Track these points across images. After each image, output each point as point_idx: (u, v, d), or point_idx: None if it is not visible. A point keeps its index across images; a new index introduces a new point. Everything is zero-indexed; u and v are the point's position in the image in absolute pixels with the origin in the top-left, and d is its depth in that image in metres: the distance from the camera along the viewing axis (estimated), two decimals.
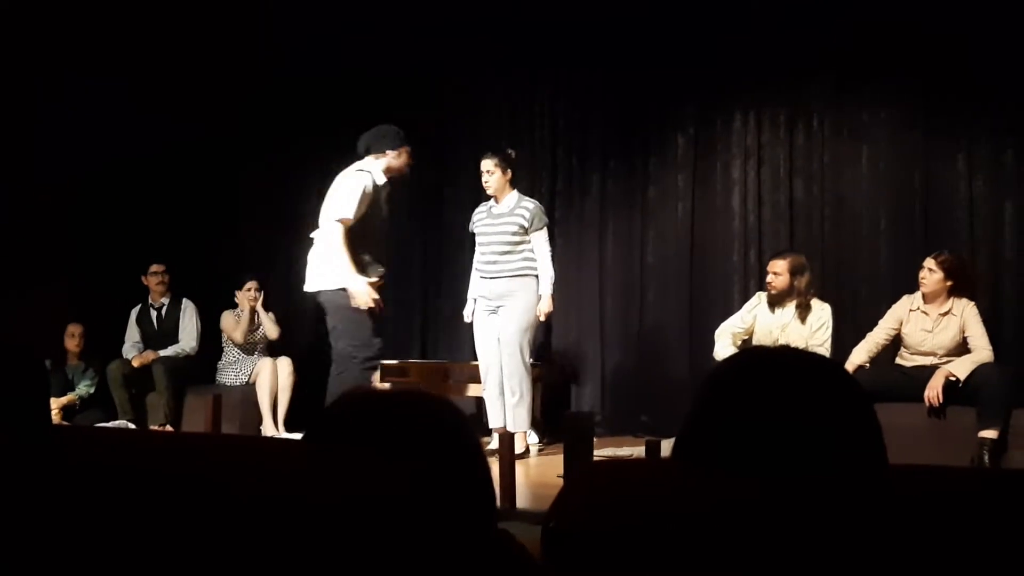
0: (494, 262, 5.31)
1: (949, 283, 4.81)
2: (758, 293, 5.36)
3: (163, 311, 6.38)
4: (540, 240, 5.28)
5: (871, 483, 0.86)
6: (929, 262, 4.84)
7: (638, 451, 4.89)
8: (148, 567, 0.88)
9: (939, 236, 5.67)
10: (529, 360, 5.28)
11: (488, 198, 5.46)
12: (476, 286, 5.47)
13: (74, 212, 6.36)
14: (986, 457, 4.49)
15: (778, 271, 5.15)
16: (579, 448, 3.58)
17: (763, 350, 1.15)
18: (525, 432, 5.25)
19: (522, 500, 3.47)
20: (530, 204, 5.33)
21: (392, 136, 4.86)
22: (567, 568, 0.87)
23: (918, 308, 4.90)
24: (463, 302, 5.77)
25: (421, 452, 0.97)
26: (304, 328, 6.52)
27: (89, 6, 6.01)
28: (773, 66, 6.17)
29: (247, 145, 6.91)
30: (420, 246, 7.03)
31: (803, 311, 5.12)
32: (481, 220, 5.43)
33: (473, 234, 5.55)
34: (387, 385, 5.78)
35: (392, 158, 4.83)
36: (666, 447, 3.76)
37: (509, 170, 5.32)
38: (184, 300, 6.38)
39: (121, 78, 6.25)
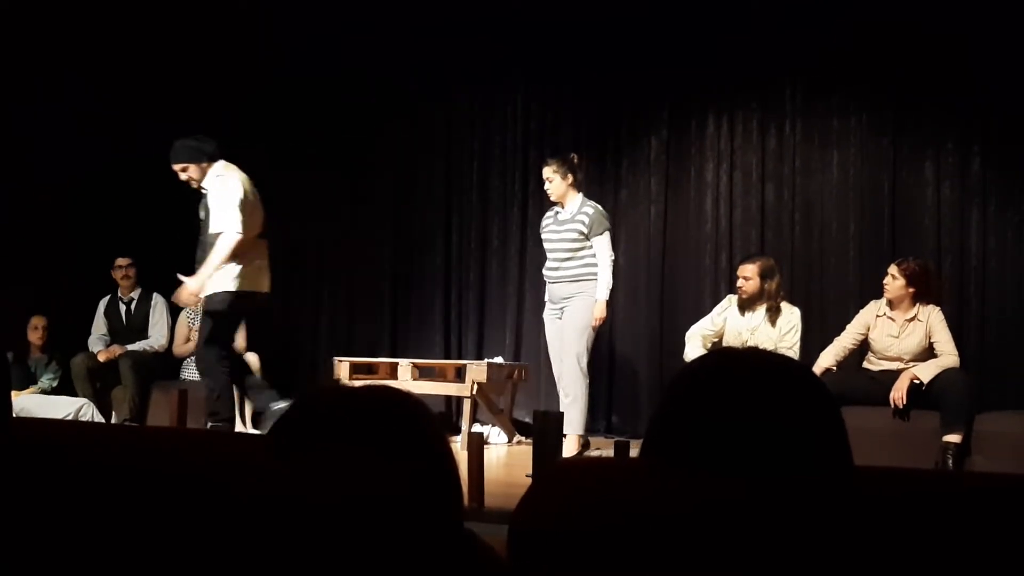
0: (556, 268, 5.30)
1: (912, 290, 4.86)
2: (729, 296, 5.39)
3: (132, 305, 6.29)
4: (600, 244, 5.20)
5: (836, 484, 0.87)
6: (892, 269, 4.90)
7: (607, 452, 4.90)
8: (107, 561, 0.86)
9: (907, 241, 5.75)
10: (586, 364, 5.16)
11: (552, 204, 5.41)
12: (546, 290, 5.46)
13: (43, 206, 6.27)
14: (950, 461, 4.54)
15: (748, 275, 5.18)
16: (547, 447, 3.57)
17: (731, 351, 1.15)
18: (579, 435, 5.16)
19: (491, 499, 3.46)
20: (590, 209, 5.24)
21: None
22: (533, 568, 0.87)
23: (884, 314, 4.95)
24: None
25: (387, 448, 0.96)
26: (267, 325, 6.47)
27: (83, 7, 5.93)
28: (746, 71, 6.22)
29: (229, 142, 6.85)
30: (389, 245, 7.01)
31: (773, 314, 5.16)
32: (547, 226, 5.40)
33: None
34: (356, 382, 5.74)
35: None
36: (635, 448, 3.76)
37: (570, 174, 5.24)
38: (155, 295, 6.28)
39: (95, 77, 6.19)
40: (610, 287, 5.23)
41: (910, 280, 4.84)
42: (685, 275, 6.39)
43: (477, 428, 5.77)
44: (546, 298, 5.47)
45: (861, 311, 5.08)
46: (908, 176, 5.89)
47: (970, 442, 4.64)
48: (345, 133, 6.93)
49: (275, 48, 6.73)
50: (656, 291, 6.45)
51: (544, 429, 3.63)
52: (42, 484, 0.97)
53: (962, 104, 5.70)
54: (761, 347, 5.11)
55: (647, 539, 0.82)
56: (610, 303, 5.37)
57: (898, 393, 4.67)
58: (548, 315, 5.42)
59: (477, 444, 3.54)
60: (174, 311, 6.25)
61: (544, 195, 6.77)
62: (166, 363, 6.23)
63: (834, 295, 5.95)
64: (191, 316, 6.17)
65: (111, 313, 6.30)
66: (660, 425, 1.02)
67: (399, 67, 6.85)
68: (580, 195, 5.30)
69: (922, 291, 4.88)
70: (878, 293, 5.03)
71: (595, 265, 5.19)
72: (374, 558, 0.89)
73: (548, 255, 5.39)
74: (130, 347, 6.12)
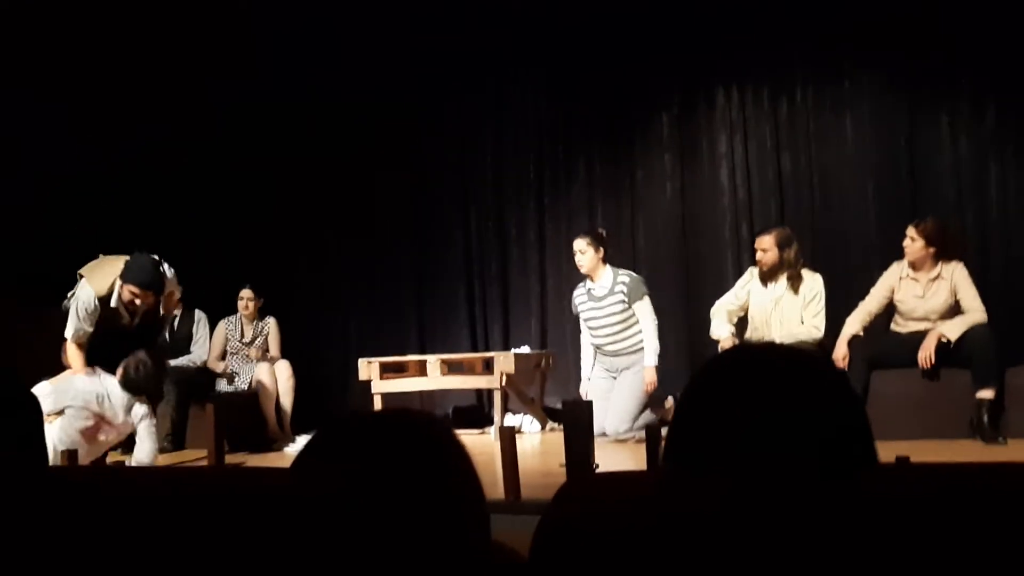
0: (610, 343, 5.40)
1: (932, 249, 4.82)
2: (750, 269, 5.37)
3: (175, 322, 6.36)
4: (642, 311, 5.29)
5: (861, 482, 0.86)
6: (910, 230, 4.86)
7: (639, 433, 4.91)
8: None
9: (926, 199, 5.70)
10: (640, 421, 5.16)
11: (583, 277, 5.49)
12: (592, 357, 5.52)
13: (74, 224, 6.32)
14: (984, 418, 4.52)
15: (765, 247, 5.16)
16: (578, 436, 3.59)
17: (748, 348, 1.15)
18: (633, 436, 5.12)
19: (527, 491, 3.48)
20: (626, 278, 5.36)
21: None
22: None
23: (907, 275, 4.91)
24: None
25: (410, 474, 0.98)
26: (298, 331, 6.53)
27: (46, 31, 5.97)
28: (753, 39, 6.18)
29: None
30: (409, 243, 7.04)
31: (795, 282, 5.14)
32: (583, 303, 5.48)
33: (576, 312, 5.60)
34: (378, 404, 5.75)
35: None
36: (665, 430, 3.77)
37: (601, 248, 5.38)
38: (197, 311, 6.35)
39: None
40: (658, 352, 5.30)
41: (929, 240, 4.80)
42: (706, 250, 6.38)
43: (509, 418, 5.80)
44: (596, 360, 5.53)
45: (884, 274, 5.04)
46: (923, 133, 5.84)
47: (1003, 397, 4.62)
48: (358, 133, 6.95)
49: (284, 47, 6.74)
50: (678, 268, 6.44)
51: (574, 419, 3.64)
52: (81, 530, 0.99)
53: (972, 56, 5.63)
54: (788, 317, 5.10)
55: (668, 553, 0.83)
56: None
57: (926, 353, 4.65)
58: (599, 375, 5.48)
59: (509, 437, 3.55)
60: (211, 326, 6.34)
61: (561, 181, 6.83)
62: (208, 377, 6.27)
63: (857, 259, 5.91)
64: (230, 328, 6.25)
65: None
66: (680, 430, 1.03)
67: (410, 63, 6.83)
68: (609, 267, 5.42)
69: (943, 249, 4.83)
70: (901, 254, 4.99)
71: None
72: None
73: (593, 332, 5.47)
74: (172, 363, 6.16)
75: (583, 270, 5.42)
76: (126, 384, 4.51)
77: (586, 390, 5.46)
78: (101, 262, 4.95)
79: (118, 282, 4.79)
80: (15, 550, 0.97)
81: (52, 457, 4.22)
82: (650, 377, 5.25)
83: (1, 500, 1.04)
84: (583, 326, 5.56)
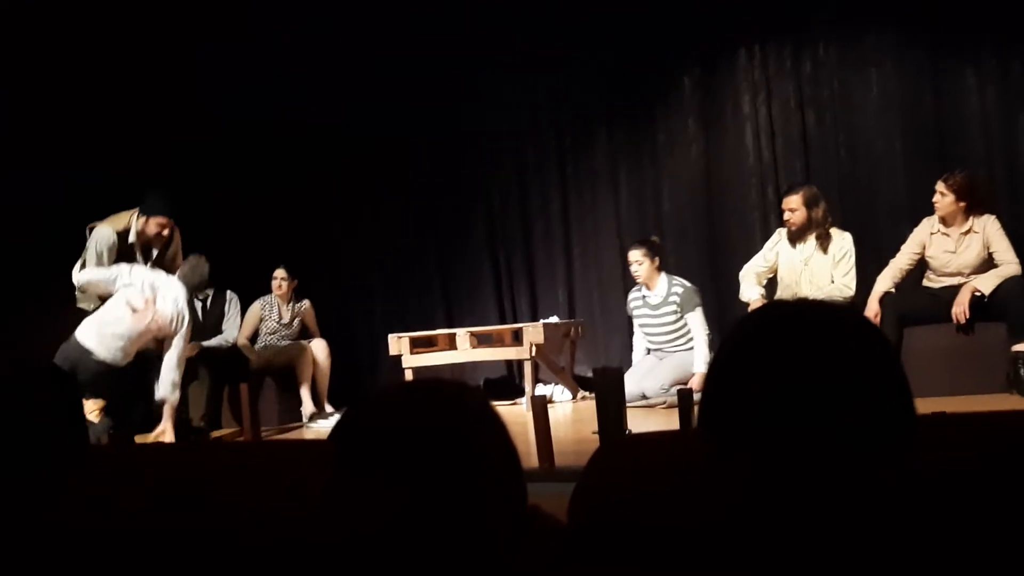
0: (664, 345, 5.51)
1: (962, 204, 4.75)
2: (778, 230, 5.33)
3: (207, 302, 6.40)
4: (694, 321, 5.37)
5: (900, 440, 0.84)
6: (940, 186, 4.79)
7: (671, 398, 4.91)
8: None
9: (955, 152, 5.61)
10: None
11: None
12: (643, 352, 5.65)
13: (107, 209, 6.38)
14: (1021, 371, 4.47)
15: (793, 206, 5.12)
16: (610, 404, 3.59)
17: (780, 305, 1.13)
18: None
19: (561, 458, 3.49)
20: (679, 288, 5.45)
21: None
22: (591, 542, 0.88)
23: (938, 231, 4.85)
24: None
25: (446, 441, 0.98)
26: (325, 309, 6.55)
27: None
28: None
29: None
30: (432, 217, 7.03)
31: (824, 241, 5.10)
32: (638, 308, 5.60)
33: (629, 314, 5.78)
34: (416, 357, 5.82)
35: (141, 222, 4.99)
36: (699, 394, 3.78)
37: (657, 257, 5.49)
38: (228, 291, 6.38)
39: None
40: (707, 361, 5.29)
41: (959, 194, 4.74)
42: (732, 212, 6.33)
43: (540, 388, 5.82)
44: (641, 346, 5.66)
45: (915, 230, 4.98)
46: (949, 86, 5.73)
47: None
48: (379, 108, 6.92)
49: (308, 36, 6.74)
50: (705, 232, 6.39)
51: (605, 386, 3.64)
52: (120, 507, 1.01)
53: (997, 3, 5.51)
54: (817, 277, 5.07)
55: (700, 524, 0.82)
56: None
57: (960, 307, 4.60)
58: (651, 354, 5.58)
59: (541, 406, 3.56)
60: (247, 303, 6.37)
61: (582, 148, 6.78)
62: (241, 357, 6.31)
63: (886, 216, 5.84)
64: (265, 309, 6.28)
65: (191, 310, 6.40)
66: (715, 390, 1.02)
67: (429, 32, 6.77)
68: (664, 275, 5.51)
69: (973, 203, 4.77)
70: (930, 210, 4.93)
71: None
72: (446, 549, 0.92)
73: (648, 336, 5.60)
74: (205, 343, 6.21)
75: (639, 280, 5.53)
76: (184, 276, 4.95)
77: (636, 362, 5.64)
78: (110, 217, 5.00)
79: (134, 221, 4.86)
80: (57, 525, 0.98)
81: (97, 340, 4.63)
82: (698, 385, 5.25)
83: (44, 477, 1.05)
84: (636, 328, 5.69)
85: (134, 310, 4.72)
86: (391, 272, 7.12)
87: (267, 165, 6.97)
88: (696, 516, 0.81)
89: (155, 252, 5.08)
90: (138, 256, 5.01)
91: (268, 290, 6.32)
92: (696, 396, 5.15)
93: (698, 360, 5.29)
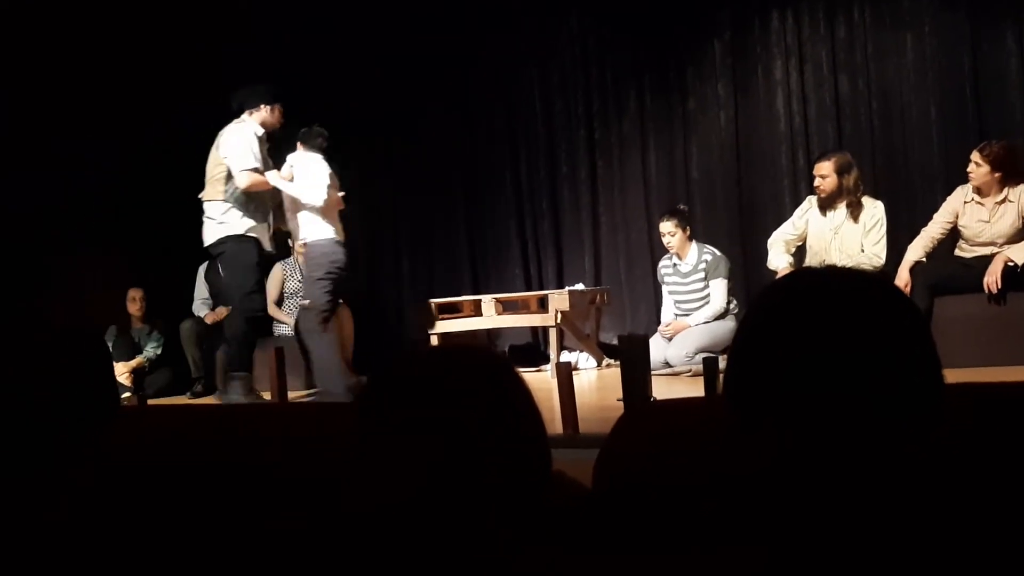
0: (690, 314, 5.56)
1: (998, 174, 4.65)
2: (808, 198, 5.26)
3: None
4: (716, 288, 5.49)
5: (928, 405, 0.83)
6: (975, 156, 4.69)
7: (696, 367, 4.89)
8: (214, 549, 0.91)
9: (992, 118, 5.50)
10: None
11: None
12: (671, 316, 5.68)
13: (127, 180, 6.43)
14: None
15: (824, 173, 5.04)
16: (635, 372, 3.58)
17: (808, 272, 1.11)
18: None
19: (585, 425, 3.50)
20: (709, 256, 5.55)
21: (262, 92, 4.93)
22: (616, 505, 0.88)
23: (973, 200, 4.77)
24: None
25: (472, 405, 0.98)
26: (357, 276, 6.57)
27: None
28: None
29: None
30: (458, 182, 7.01)
31: (855, 210, 5.02)
32: (669, 275, 5.70)
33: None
34: (434, 340, 5.81)
35: (266, 113, 4.91)
36: (723, 362, 3.74)
37: (688, 227, 5.60)
38: None
39: None
40: (708, 320, 5.44)
41: (995, 165, 4.64)
42: (762, 179, 6.26)
43: (565, 355, 5.82)
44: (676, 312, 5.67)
45: (948, 198, 4.90)
46: (988, 50, 5.60)
47: None
48: (404, 73, 6.89)
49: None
50: (734, 199, 6.33)
51: (631, 354, 3.63)
52: (151, 471, 1.02)
53: None
54: (847, 246, 5.00)
55: (725, 478, 0.82)
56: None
57: (992, 277, 4.53)
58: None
59: (566, 373, 3.56)
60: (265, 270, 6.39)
61: (611, 114, 6.72)
62: (267, 321, 6.35)
63: (920, 183, 5.75)
64: (287, 271, 6.30)
65: (212, 277, 6.45)
66: (741, 356, 1.00)
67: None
68: (695, 244, 5.62)
69: (1010, 172, 4.67)
70: (964, 178, 4.84)
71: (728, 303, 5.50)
72: (469, 510, 0.92)
73: (677, 303, 5.65)
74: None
75: (672, 250, 5.61)
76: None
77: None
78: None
79: (259, 118, 4.85)
80: (91, 485, 1.00)
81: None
82: (681, 326, 5.44)
83: (80, 439, 1.07)
84: (665, 295, 5.74)
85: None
86: (418, 238, 7.12)
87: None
88: (719, 484, 0.80)
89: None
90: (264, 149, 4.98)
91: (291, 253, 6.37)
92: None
93: (701, 313, 5.44)
